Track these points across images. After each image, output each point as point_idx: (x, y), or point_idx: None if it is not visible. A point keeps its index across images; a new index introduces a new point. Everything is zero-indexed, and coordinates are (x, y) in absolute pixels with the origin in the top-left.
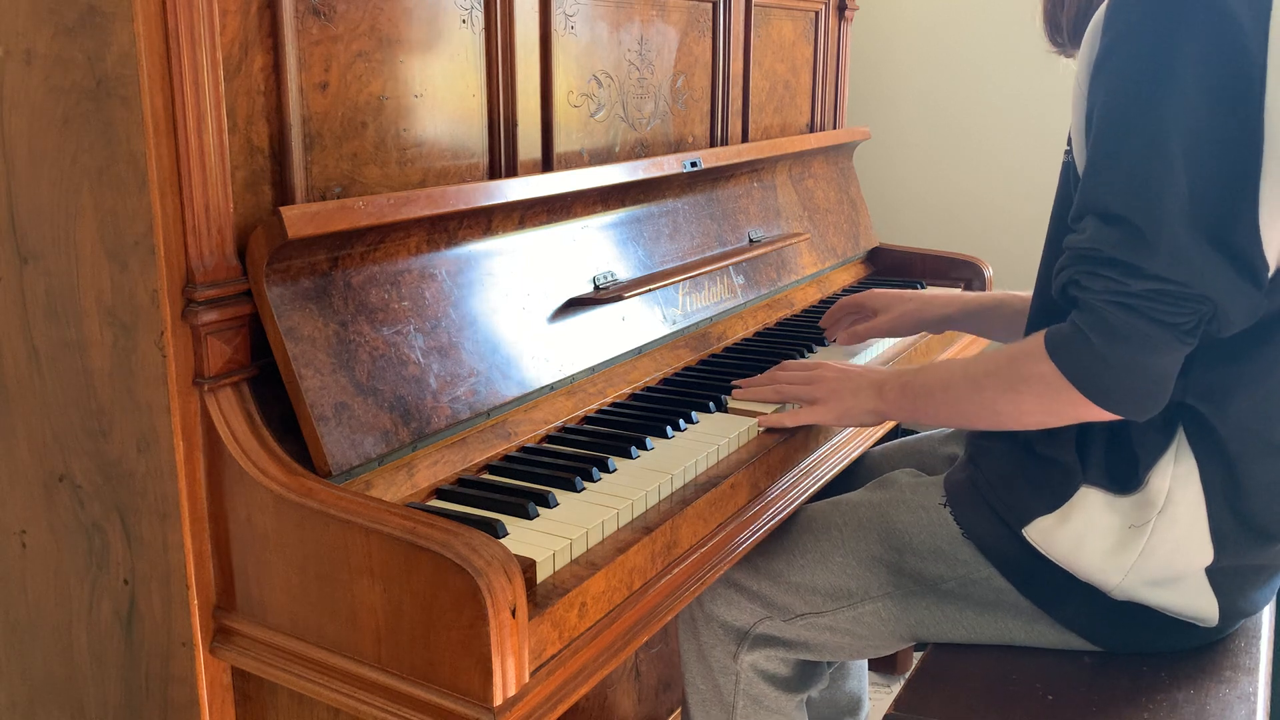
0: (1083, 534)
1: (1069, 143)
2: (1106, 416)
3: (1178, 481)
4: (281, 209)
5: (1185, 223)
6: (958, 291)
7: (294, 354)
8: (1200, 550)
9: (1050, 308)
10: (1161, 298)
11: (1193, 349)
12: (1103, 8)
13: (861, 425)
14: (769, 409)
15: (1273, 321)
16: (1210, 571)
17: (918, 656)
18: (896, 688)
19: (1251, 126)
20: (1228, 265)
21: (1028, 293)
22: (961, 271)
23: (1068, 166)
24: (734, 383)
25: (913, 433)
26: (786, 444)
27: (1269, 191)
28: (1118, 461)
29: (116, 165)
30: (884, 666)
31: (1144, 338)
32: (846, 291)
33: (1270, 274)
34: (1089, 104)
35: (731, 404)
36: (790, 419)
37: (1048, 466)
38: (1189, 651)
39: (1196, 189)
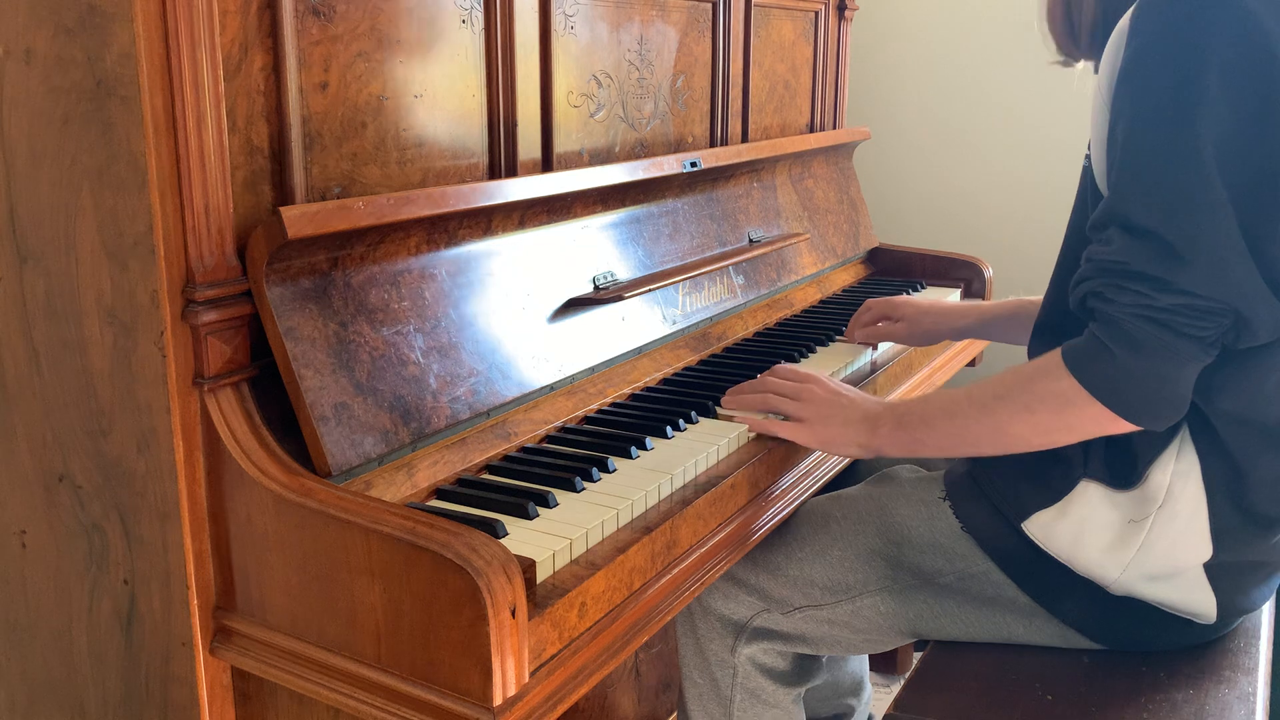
0: (1082, 528)
1: (1089, 148)
2: (1127, 428)
3: (1179, 477)
4: (281, 209)
5: (1219, 235)
6: (975, 303)
7: (294, 354)
8: (1199, 546)
9: (1061, 315)
10: (1189, 311)
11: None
12: (1128, 15)
13: (845, 456)
14: (759, 417)
15: None
16: (1209, 567)
17: (918, 657)
18: (896, 688)
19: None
20: (1259, 277)
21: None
22: (961, 271)
23: (1087, 171)
24: (726, 396)
25: None
26: (787, 444)
27: None
28: (1118, 456)
29: (116, 165)
30: (884, 666)
31: (1169, 350)
32: (847, 291)
33: None
34: (1114, 113)
35: (721, 413)
36: (778, 429)
37: (1048, 461)
38: (1188, 651)
39: (1230, 199)
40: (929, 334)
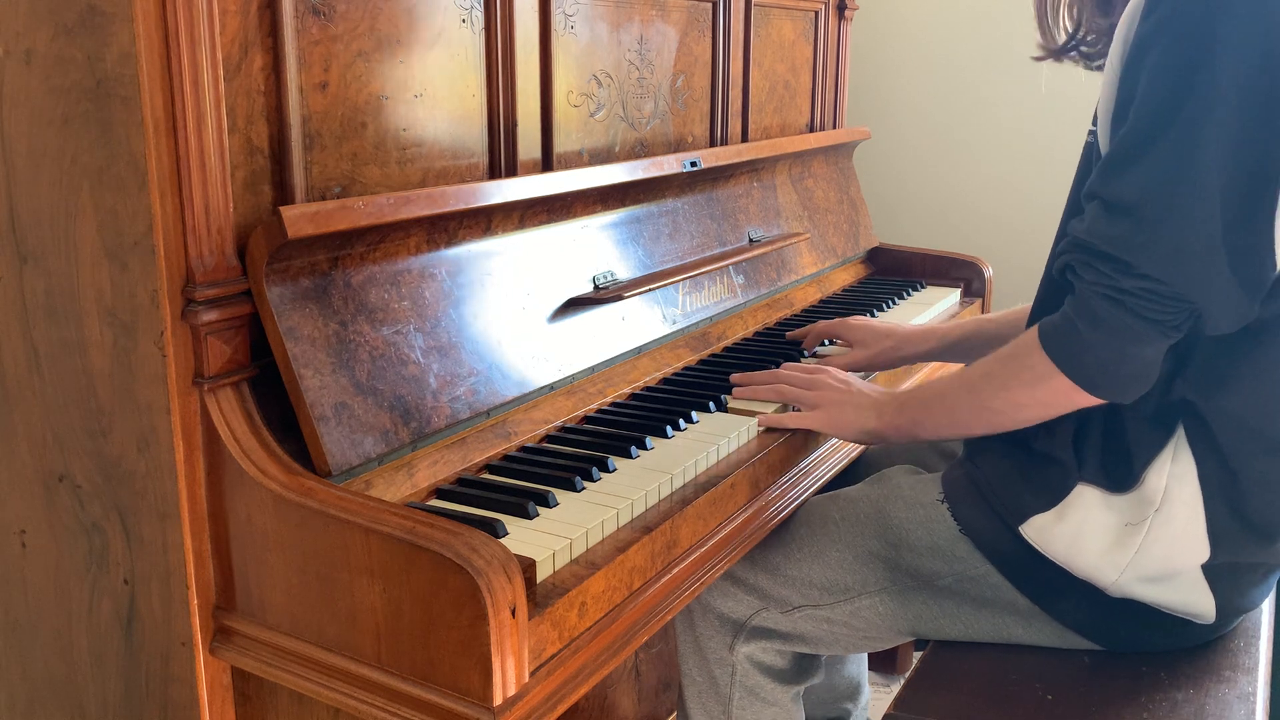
0: (1079, 532)
1: (1094, 122)
2: (1094, 401)
3: (1175, 479)
4: (281, 209)
5: (1191, 223)
6: (933, 326)
7: (294, 354)
8: (1197, 548)
9: (1054, 289)
10: (1150, 296)
11: (1187, 341)
12: None
13: (854, 442)
14: (769, 408)
15: (1273, 321)
16: (1207, 568)
17: (918, 657)
18: (896, 687)
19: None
20: (1227, 269)
21: (1002, 313)
22: (961, 271)
23: (1090, 147)
24: (733, 378)
25: None
26: (786, 444)
27: None
28: (1114, 459)
29: (116, 165)
30: (884, 666)
31: (1129, 330)
32: (847, 291)
33: (1276, 276)
34: (1123, 90)
35: (732, 403)
36: (791, 420)
37: (1045, 464)
38: (1188, 651)
39: (1219, 189)
40: (890, 360)
